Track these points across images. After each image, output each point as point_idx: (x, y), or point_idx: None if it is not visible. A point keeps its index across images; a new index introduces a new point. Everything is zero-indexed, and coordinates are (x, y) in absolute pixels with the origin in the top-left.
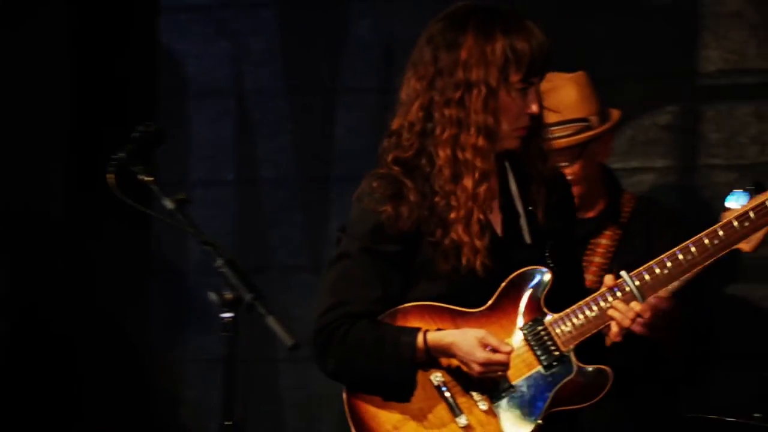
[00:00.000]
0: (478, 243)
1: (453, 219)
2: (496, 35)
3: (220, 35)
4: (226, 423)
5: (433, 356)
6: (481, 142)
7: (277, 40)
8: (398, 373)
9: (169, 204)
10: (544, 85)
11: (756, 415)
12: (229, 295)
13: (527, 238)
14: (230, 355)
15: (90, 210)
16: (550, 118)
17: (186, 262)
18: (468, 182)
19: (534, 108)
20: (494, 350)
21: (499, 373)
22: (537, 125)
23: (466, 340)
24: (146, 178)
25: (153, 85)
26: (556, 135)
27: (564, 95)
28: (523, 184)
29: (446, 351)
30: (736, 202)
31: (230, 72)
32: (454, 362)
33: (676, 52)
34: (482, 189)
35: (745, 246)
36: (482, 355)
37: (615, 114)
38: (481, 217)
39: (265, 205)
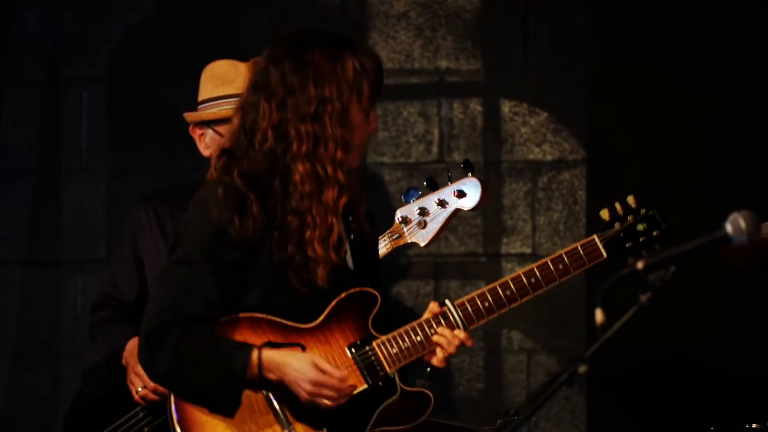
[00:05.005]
0: (333, 256)
1: (309, 237)
2: (344, 54)
3: None
4: None
5: (264, 375)
6: (339, 155)
7: None
8: (227, 385)
9: None
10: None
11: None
12: None
13: (350, 264)
14: None
15: None
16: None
17: None
18: (329, 196)
19: (376, 128)
20: (324, 373)
21: (326, 400)
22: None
23: (299, 360)
24: None
25: None
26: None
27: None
28: (346, 213)
29: (279, 369)
30: (410, 199)
31: None
32: (285, 381)
33: None
34: (342, 202)
35: (420, 241)
36: (314, 375)
37: None
38: (339, 230)
39: None
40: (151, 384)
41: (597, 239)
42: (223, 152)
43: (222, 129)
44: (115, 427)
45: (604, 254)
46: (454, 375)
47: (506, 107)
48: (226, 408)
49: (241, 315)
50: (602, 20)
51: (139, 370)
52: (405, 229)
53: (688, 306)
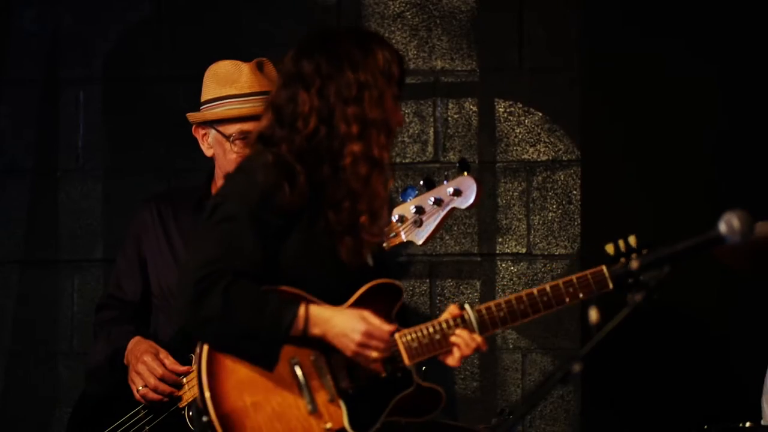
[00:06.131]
0: (378, 239)
1: (363, 220)
2: (373, 46)
3: None
4: None
5: (309, 330)
6: (383, 139)
7: None
8: (272, 335)
9: None
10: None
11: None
12: None
13: (370, 263)
14: None
15: None
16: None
17: None
18: (379, 179)
19: (402, 119)
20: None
21: (374, 352)
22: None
23: (347, 314)
24: None
25: None
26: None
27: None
28: None
29: (325, 323)
30: (407, 198)
31: None
32: (324, 340)
33: None
34: (389, 185)
35: (416, 240)
36: (365, 326)
37: None
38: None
39: None
40: (152, 382)
41: (605, 270)
42: (260, 137)
43: (225, 129)
44: (115, 427)
45: (611, 285)
46: (450, 374)
47: (501, 107)
48: (265, 361)
49: (278, 287)
50: (597, 20)
51: (140, 368)
52: (401, 228)
53: (683, 305)
